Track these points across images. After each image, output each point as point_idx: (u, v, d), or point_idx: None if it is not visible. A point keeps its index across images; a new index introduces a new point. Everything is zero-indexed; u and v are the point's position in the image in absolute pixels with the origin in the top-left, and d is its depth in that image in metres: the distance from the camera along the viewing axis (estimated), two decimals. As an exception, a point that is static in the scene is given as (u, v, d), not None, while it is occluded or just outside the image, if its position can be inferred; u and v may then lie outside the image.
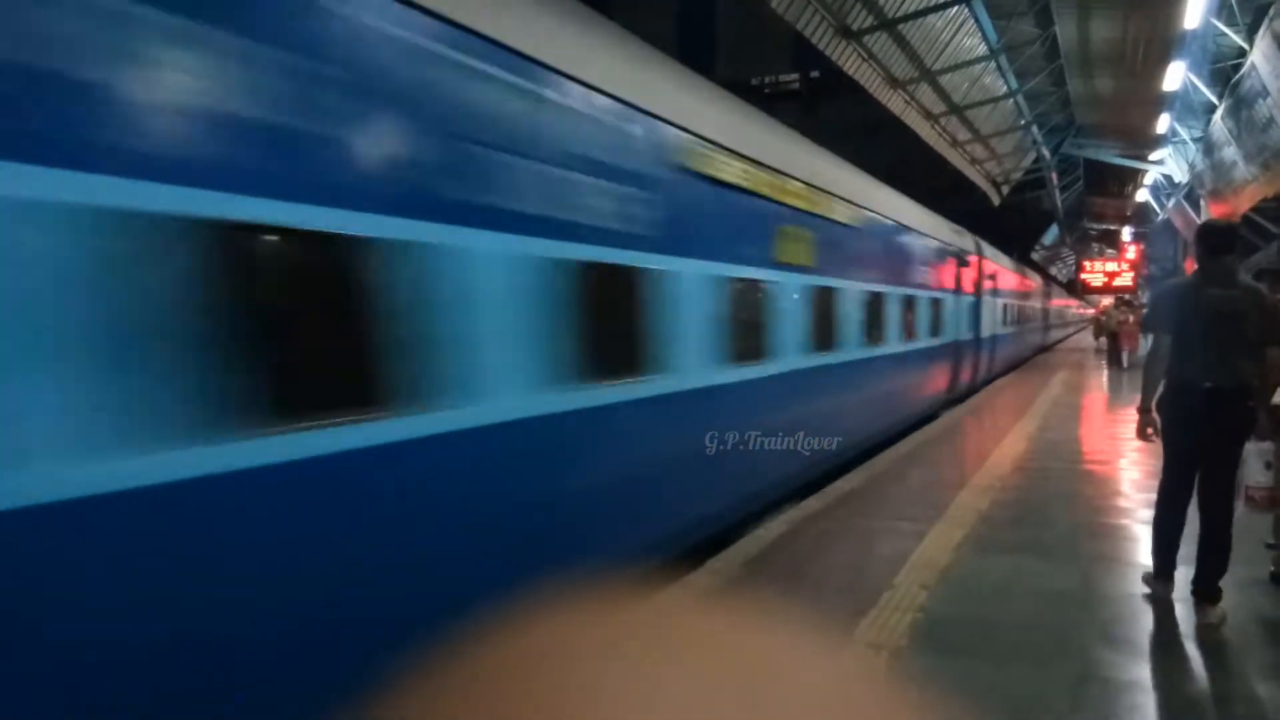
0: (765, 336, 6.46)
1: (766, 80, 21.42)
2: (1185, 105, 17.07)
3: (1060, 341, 36.47)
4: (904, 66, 15.92)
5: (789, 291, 6.81)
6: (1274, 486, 4.36)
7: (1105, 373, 19.13)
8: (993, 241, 17.27)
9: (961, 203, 25.89)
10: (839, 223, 8.03)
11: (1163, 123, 18.35)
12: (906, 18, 14.73)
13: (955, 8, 15.54)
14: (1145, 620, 4.40)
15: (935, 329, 11.71)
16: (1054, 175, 27.73)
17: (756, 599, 0.31)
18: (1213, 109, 15.19)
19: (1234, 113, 13.82)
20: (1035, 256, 35.54)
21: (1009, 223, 28.71)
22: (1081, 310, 53.03)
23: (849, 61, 14.68)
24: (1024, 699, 3.45)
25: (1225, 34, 12.91)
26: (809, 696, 0.26)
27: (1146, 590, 4.65)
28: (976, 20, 16.35)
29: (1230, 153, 15.12)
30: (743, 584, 4.85)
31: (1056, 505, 6.73)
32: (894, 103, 16.52)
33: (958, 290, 13.15)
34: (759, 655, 0.27)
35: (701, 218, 5.48)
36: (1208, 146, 16.70)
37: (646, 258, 4.81)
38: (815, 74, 19.23)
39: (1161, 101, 17.00)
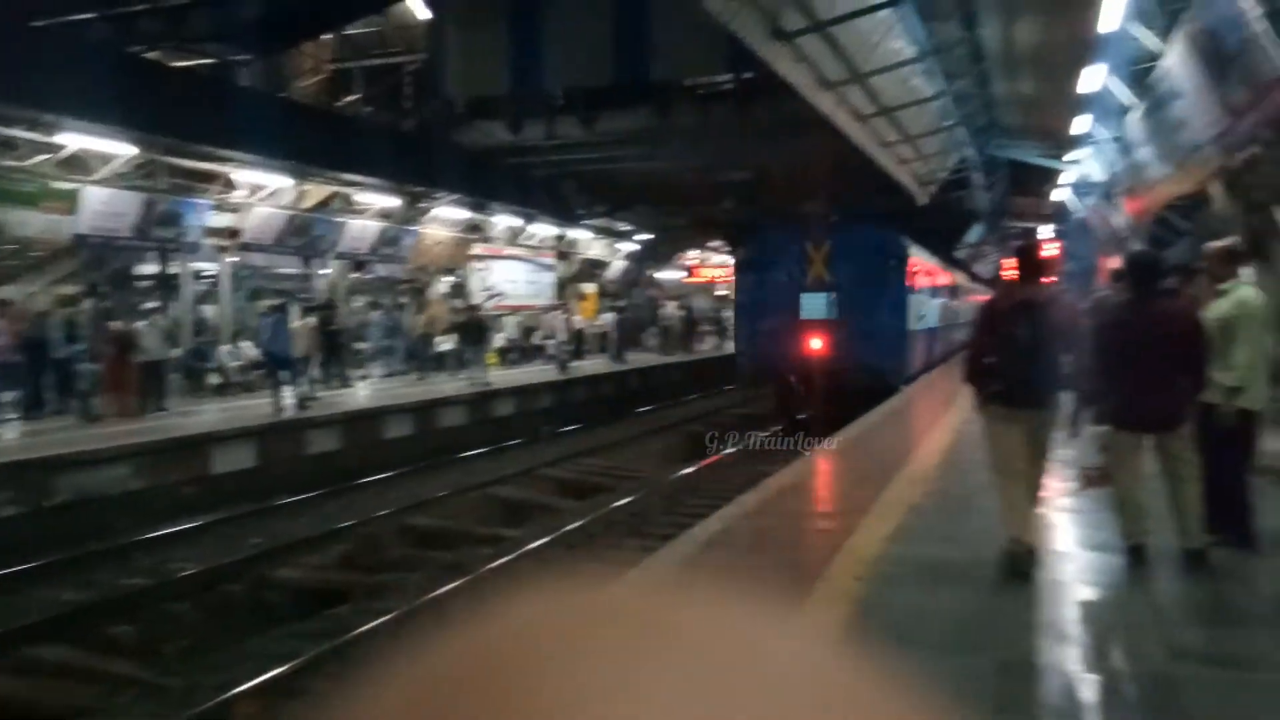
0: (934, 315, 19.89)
1: (700, 81, 21.52)
2: (1103, 107, 17.62)
3: None
4: (835, 68, 16.14)
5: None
6: (1105, 467, 5.10)
7: None
8: (920, 239, 19.34)
9: (890, 201, 26.25)
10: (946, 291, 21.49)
11: (1082, 124, 18.92)
12: (838, 20, 14.92)
13: (886, 10, 15.80)
14: (1067, 606, 4.55)
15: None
16: (978, 175, 28.40)
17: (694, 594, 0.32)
18: (1128, 110, 15.70)
19: (1149, 114, 14.31)
20: (960, 254, 36.42)
21: (935, 221, 29.27)
22: None
23: (781, 63, 14.81)
24: (954, 686, 3.52)
25: (1141, 37, 13.38)
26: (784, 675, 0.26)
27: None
28: (906, 23, 16.66)
29: (1145, 153, 15.64)
30: (677, 584, 4.86)
31: (983, 496, 6.88)
32: (825, 104, 16.71)
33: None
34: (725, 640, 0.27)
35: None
36: (1124, 147, 17.26)
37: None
38: (748, 75, 19.33)
39: (1080, 103, 17.52)
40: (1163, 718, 3.34)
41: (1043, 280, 5.67)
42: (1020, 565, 4.79)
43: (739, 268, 17.88)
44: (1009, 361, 4.89)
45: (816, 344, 14.87)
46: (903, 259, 16.19)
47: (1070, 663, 3.79)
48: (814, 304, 15.25)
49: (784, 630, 0.28)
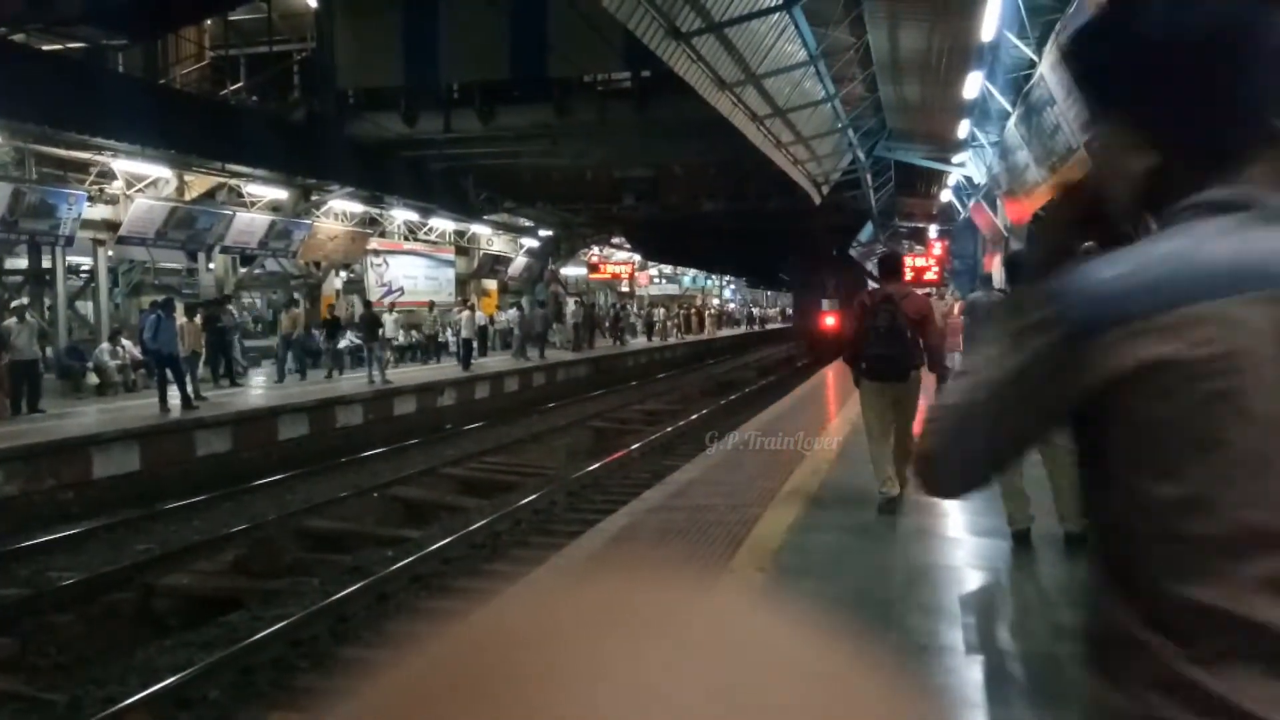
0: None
1: (599, 78, 21.55)
2: (983, 112, 18.41)
3: None
4: (731, 69, 16.41)
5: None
6: None
7: None
8: (815, 238, 21.32)
9: (786, 201, 26.83)
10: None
11: (963, 128, 19.73)
12: (732, 21, 15.18)
13: (777, 14, 16.15)
14: (958, 590, 4.79)
15: None
16: (868, 176, 29.28)
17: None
18: (1007, 116, 16.45)
19: (1025, 119, 15.03)
20: (853, 253, 37.55)
21: (829, 220, 30.10)
22: None
23: (679, 62, 14.99)
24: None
25: (1018, 46, 14.05)
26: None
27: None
28: (797, 27, 17.05)
29: (1022, 156, 16.43)
30: (586, 580, 4.90)
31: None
32: (722, 104, 16.98)
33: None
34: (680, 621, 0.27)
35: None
36: (1003, 151, 18.09)
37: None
38: (646, 73, 19.48)
39: (963, 108, 18.28)
40: (1048, 694, 3.57)
41: (900, 280, 6.87)
42: (887, 507, 6.07)
43: (795, 289, 40.96)
44: (872, 345, 6.07)
45: (830, 322, 30.45)
46: (865, 283, 30.20)
47: (960, 643, 4.00)
48: (828, 305, 32.11)
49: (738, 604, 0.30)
